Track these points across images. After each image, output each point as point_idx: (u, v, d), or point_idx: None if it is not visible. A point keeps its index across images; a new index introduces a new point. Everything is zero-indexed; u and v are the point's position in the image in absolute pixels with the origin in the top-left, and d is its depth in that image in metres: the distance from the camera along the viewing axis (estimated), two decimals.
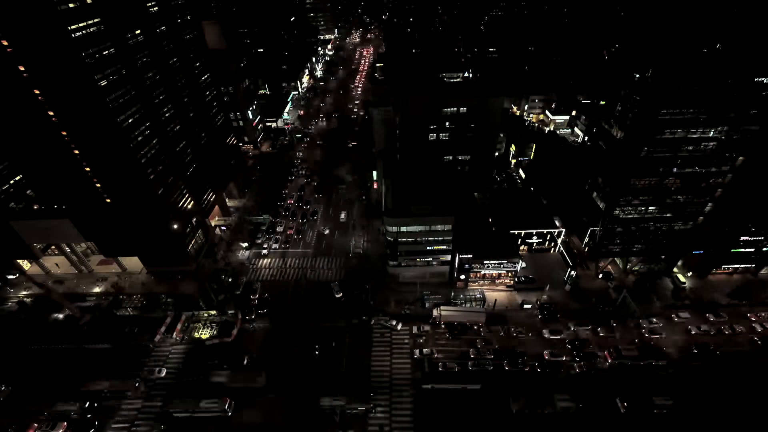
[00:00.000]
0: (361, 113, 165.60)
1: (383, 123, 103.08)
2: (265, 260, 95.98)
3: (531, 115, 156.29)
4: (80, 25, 61.47)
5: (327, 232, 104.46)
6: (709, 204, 79.26)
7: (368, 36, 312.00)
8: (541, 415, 64.25)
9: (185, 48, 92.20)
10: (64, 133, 68.69)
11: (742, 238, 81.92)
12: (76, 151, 71.01)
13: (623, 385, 68.05)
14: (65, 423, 63.45)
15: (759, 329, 77.00)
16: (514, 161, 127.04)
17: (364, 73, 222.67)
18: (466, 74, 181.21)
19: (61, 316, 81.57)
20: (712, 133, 69.45)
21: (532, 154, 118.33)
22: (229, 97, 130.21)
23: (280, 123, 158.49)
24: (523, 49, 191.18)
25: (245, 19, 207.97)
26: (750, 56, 67.58)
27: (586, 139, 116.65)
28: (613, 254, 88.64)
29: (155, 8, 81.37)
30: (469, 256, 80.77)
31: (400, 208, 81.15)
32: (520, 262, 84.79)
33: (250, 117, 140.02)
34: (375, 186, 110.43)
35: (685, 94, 65.67)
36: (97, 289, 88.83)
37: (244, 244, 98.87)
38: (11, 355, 74.54)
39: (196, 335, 77.64)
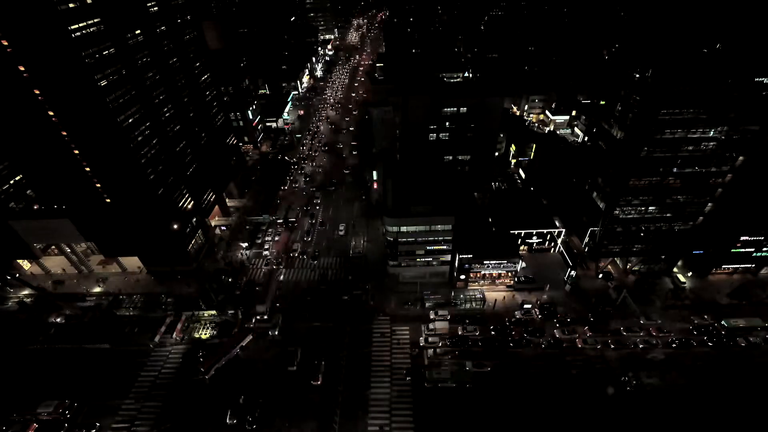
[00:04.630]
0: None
1: (383, 123, 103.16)
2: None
3: (531, 115, 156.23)
4: (80, 25, 61.39)
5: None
6: (709, 204, 79.34)
7: (369, 34, 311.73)
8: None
9: (185, 48, 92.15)
10: (64, 133, 68.70)
11: (742, 238, 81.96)
12: (76, 151, 71.03)
13: None
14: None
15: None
16: (514, 161, 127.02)
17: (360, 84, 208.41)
18: (466, 74, 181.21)
19: (58, 319, 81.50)
20: (712, 133, 69.42)
21: (532, 154, 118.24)
22: (229, 97, 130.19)
23: (280, 123, 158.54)
24: (523, 49, 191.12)
25: (245, 19, 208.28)
26: (750, 56, 67.62)
27: (586, 139, 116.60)
28: (613, 254, 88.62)
29: (155, 8, 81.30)
30: (469, 256, 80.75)
31: (400, 208, 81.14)
32: (520, 262, 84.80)
33: (250, 117, 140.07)
34: (375, 186, 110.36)
35: (685, 94, 65.64)
36: (97, 289, 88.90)
37: (244, 244, 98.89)
38: (10, 355, 74.61)
39: (196, 335, 77.74)
